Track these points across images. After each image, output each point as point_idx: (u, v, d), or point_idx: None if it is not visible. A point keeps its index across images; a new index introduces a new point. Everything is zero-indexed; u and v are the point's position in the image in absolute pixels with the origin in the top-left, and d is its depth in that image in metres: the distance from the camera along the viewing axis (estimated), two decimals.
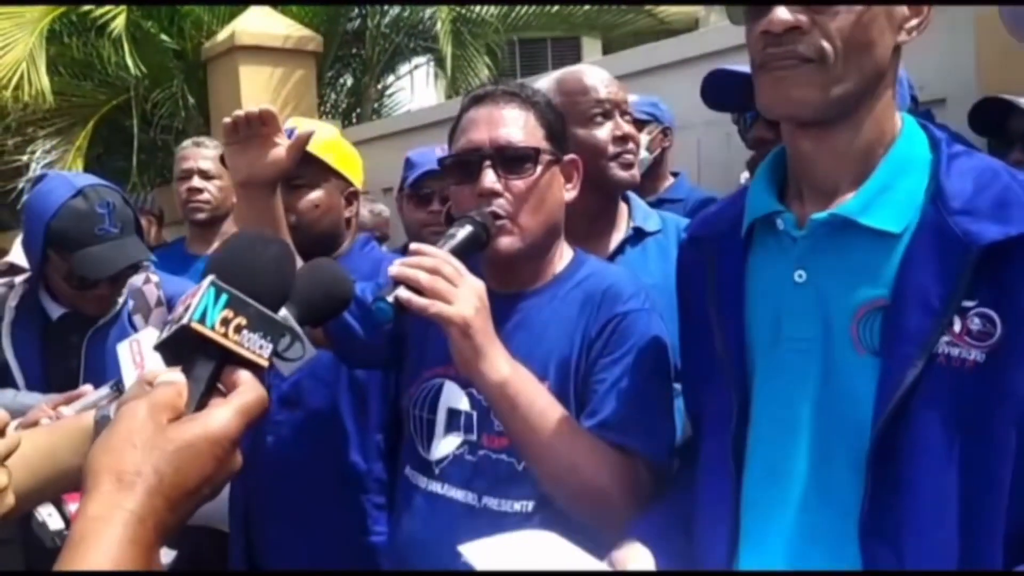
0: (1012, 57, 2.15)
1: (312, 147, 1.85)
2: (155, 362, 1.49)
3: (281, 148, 1.63)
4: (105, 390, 1.64)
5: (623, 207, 1.92)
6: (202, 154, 3.25)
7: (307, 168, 1.94)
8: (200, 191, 3.18)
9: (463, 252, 1.37)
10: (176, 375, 0.82)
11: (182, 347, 0.84)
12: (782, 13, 1.04)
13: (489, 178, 1.44)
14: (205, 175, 3.21)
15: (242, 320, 0.84)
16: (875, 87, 1.09)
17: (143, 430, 0.76)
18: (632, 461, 1.35)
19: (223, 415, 0.79)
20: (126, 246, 2.04)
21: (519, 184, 1.45)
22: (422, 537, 1.51)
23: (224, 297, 0.84)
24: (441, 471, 1.48)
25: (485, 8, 6.87)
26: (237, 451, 0.80)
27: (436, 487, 1.49)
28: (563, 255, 1.56)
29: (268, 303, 0.87)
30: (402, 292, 1.23)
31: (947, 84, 2.50)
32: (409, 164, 2.88)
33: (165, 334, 0.85)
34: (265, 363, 0.85)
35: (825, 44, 1.04)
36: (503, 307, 1.47)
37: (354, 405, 1.97)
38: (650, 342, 1.42)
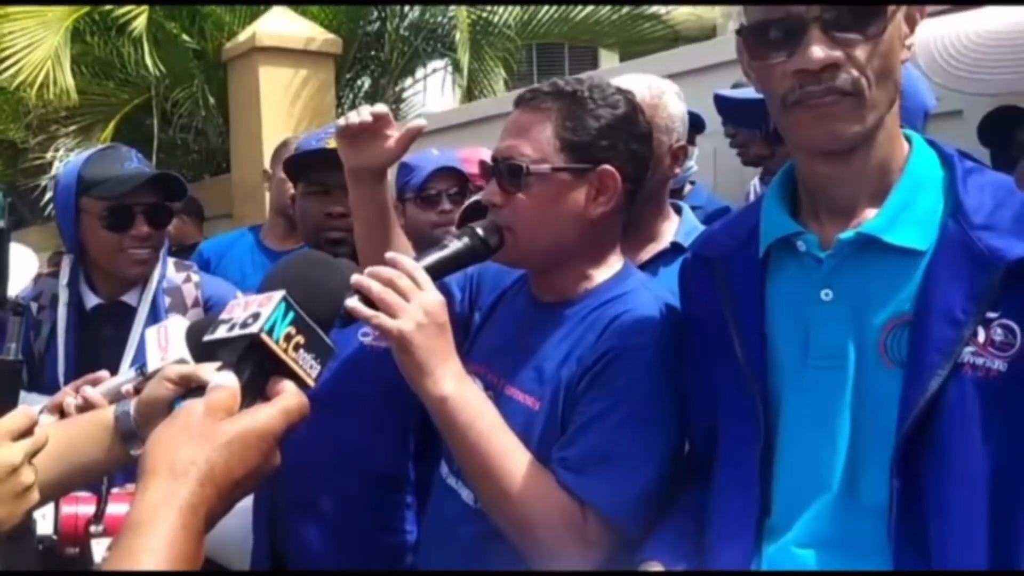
0: None
1: None
2: (179, 348, 1.52)
3: (392, 139, 1.62)
4: (131, 373, 1.66)
5: (672, 220, 1.90)
6: None
7: None
8: None
9: (456, 264, 1.40)
10: (230, 379, 0.87)
11: (231, 347, 0.88)
12: (818, 51, 1.05)
13: (490, 189, 1.46)
14: None
15: (301, 339, 0.90)
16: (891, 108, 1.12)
17: (198, 425, 0.82)
18: (578, 507, 1.31)
19: (269, 412, 0.85)
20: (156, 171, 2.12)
21: (516, 196, 1.43)
22: (432, 529, 1.55)
23: (292, 314, 0.89)
24: (459, 468, 1.50)
25: (504, 16, 6.89)
26: (278, 449, 0.85)
27: (452, 481, 1.52)
28: (607, 266, 1.50)
29: (321, 322, 0.93)
30: (351, 301, 1.25)
31: (964, 96, 2.50)
32: (407, 168, 2.87)
33: (226, 333, 0.89)
34: (313, 383, 0.91)
35: (860, 76, 1.07)
36: (537, 316, 1.50)
37: (386, 404, 1.98)
38: (642, 385, 1.34)
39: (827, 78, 1.06)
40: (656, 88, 1.83)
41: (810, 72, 1.07)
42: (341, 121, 1.62)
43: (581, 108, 1.43)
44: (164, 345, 1.59)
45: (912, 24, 1.13)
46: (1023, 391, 1.02)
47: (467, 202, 2.49)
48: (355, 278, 1.27)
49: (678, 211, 1.94)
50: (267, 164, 5.60)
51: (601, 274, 1.49)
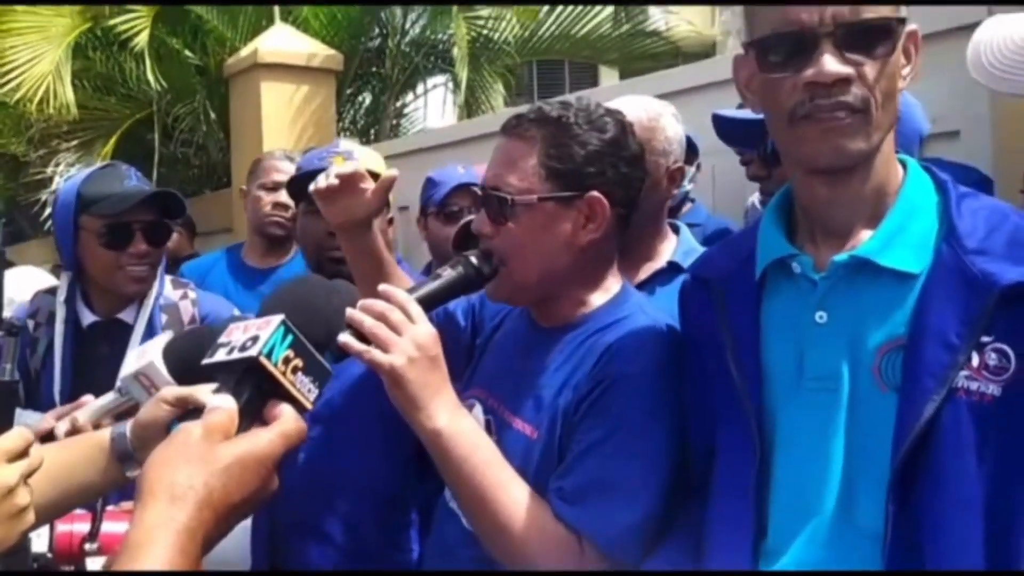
0: None
1: (380, 171, 1.90)
2: (155, 355, 1.49)
3: (367, 192, 1.65)
4: (111, 396, 1.65)
5: (669, 240, 1.91)
6: (286, 168, 3.20)
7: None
8: (287, 208, 3.11)
9: (449, 294, 1.40)
10: (228, 401, 0.87)
11: (229, 370, 0.88)
12: (832, 65, 1.07)
13: (479, 219, 1.47)
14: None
15: (299, 362, 0.90)
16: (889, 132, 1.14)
17: (196, 448, 0.82)
18: (575, 539, 1.31)
19: (268, 436, 0.85)
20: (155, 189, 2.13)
21: (507, 227, 1.42)
22: (434, 551, 1.55)
23: (290, 338, 0.90)
24: None
25: (503, 32, 6.92)
26: (276, 473, 0.86)
27: (454, 505, 1.52)
28: (602, 292, 1.49)
29: (320, 346, 0.94)
30: (343, 336, 1.25)
31: (961, 117, 2.52)
32: (432, 183, 2.90)
33: (225, 357, 0.89)
34: (310, 406, 0.91)
35: (868, 94, 1.08)
36: (535, 340, 1.50)
37: (388, 423, 1.97)
38: (638, 414, 1.34)
39: (838, 92, 1.08)
40: (653, 111, 1.83)
41: (821, 85, 1.08)
42: (311, 187, 1.66)
43: (566, 134, 1.42)
44: (148, 385, 1.58)
45: (909, 56, 1.15)
46: (1018, 415, 1.02)
47: (461, 222, 2.50)
48: (348, 312, 1.27)
49: (676, 231, 1.95)
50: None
51: (598, 298, 1.48)
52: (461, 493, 1.35)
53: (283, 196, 3.12)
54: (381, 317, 1.28)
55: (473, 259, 1.43)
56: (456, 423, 1.32)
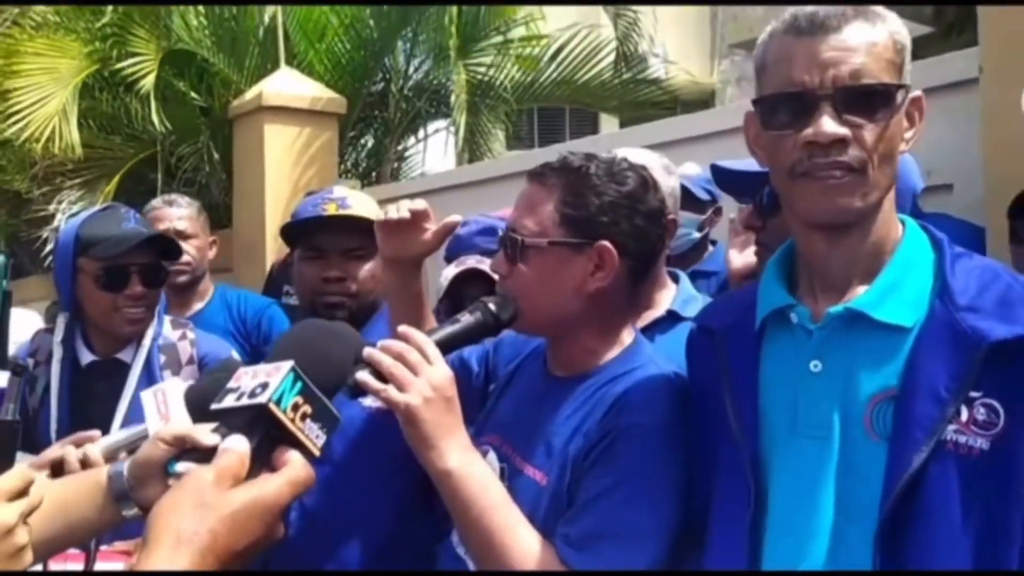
0: (1017, 146, 2.20)
1: (374, 218, 1.92)
2: (180, 413, 1.51)
3: (429, 232, 1.68)
4: (137, 427, 1.64)
5: (668, 288, 1.92)
6: (177, 213, 3.11)
7: (367, 239, 1.98)
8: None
9: (466, 338, 1.43)
10: (241, 444, 0.88)
11: (239, 416, 0.89)
12: (829, 126, 1.11)
13: (497, 259, 1.52)
14: (183, 235, 3.02)
15: (309, 408, 0.91)
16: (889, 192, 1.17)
17: (207, 493, 0.83)
18: None
19: (277, 484, 0.86)
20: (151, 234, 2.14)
21: (519, 268, 1.47)
22: None
23: (300, 384, 0.91)
24: None
25: (502, 79, 7.02)
26: (282, 521, 0.86)
27: (461, 551, 1.52)
28: (614, 343, 1.51)
29: (328, 392, 0.95)
30: (361, 374, 1.28)
31: (955, 171, 2.56)
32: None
33: (234, 403, 0.90)
34: (319, 453, 0.92)
35: (865, 156, 1.12)
36: (548, 389, 1.53)
37: (388, 469, 1.97)
38: (647, 463, 1.35)
39: (835, 152, 1.12)
40: (641, 164, 1.85)
41: (819, 145, 1.12)
42: (381, 215, 1.69)
43: (584, 184, 1.45)
44: (164, 412, 1.59)
45: (912, 121, 1.19)
46: (1005, 470, 1.04)
47: (455, 272, 2.48)
48: (367, 351, 1.29)
49: (676, 279, 1.96)
50: (268, 220, 5.69)
51: (611, 349, 1.50)
52: (469, 534, 1.36)
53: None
54: (399, 357, 1.30)
55: (492, 305, 1.46)
56: (467, 465, 1.33)
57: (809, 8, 1.16)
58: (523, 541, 1.33)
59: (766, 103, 1.19)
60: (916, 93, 1.18)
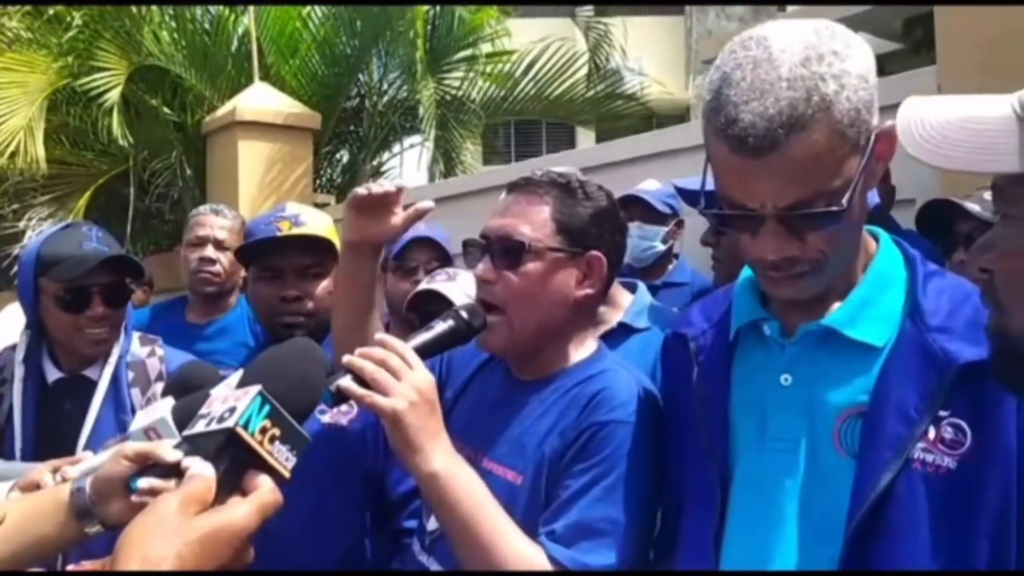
0: None
1: (329, 234, 1.92)
2: (167, 429, 1.50)
3: (398, 216, 1.65)
4: (109, 452, 1.63)
5: (623, 298, 1.93)
6: (219, 223, 3.13)
7: (323, 256, 1.99)
8: (213, 262, 3.05)
9: (440, 346, 1.43)
10: (207, 469, 0.87)
11: (208, 441, 0.90)
12: (774, 249, 1.08)
13: (482, 267, 1.51)
14: (220, 245, 3.07)
15: (277, 431, 0.91)
16: None
17: (172, 519, 0.82)
18: None
19: (245, 510, 0.86)
20: (113, 252, 2.10)
21: (509, 275, 1.48)
22: None
23: (267, 408, 0.91)
24: (430, 543, 1.52)
25: (472, 93, 7.05)
26: (251, 546, 0.86)
27: (423, 558, 1.52)
28: (581, 348, 1.55)
29: (297, 414, 0.94)
30: (343, 381, 1.28)
31: (916, 186, 2.61)
32: None
33: (204, 428, 0.90)
34: (288, 475, 0.91)
35: (818, 256, 1.10)
36: (514, 393, 1.53)
37: (340, 481, 1.97)
38: (624, 458, 1.38)
39: (785, 265, 1.10)
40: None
41: (768, 260, 1.10)
42: (361, 190, 1.63)
43: (572, 197, 1.52)
44: (153, 436, 1.57)
45: (885, 155, 1.11)
46: (971, 489, 1.04)
47: (416, 289, 2.49)
48: (347, 358, 1.30)
49: (632, 290, 1.97)
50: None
51: (579, 354, 1.54)
52: (456, 535, 1.35)
53: (209, 251, 3.06)
54: (381, 363, 1.31)
55: (463, 313, 1.46)
56: (452, 467, 1.34)
57: (740, 121, 1.03)
58: (512, 540, 1.34)
59: (714, 216, 1.16)
60: (885, 126, 1.08)
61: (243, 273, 3.17)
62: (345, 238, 1.69)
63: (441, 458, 1.33)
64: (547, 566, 1.32)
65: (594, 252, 1.51)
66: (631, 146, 4.25)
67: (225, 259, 3.06)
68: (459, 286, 2.28)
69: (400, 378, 1.31)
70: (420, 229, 2.70)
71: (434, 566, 1.49)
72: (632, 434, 1.39)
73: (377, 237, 1.67)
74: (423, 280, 2.58)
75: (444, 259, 2.75)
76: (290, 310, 1.99)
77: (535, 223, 1.49)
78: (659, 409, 1.41)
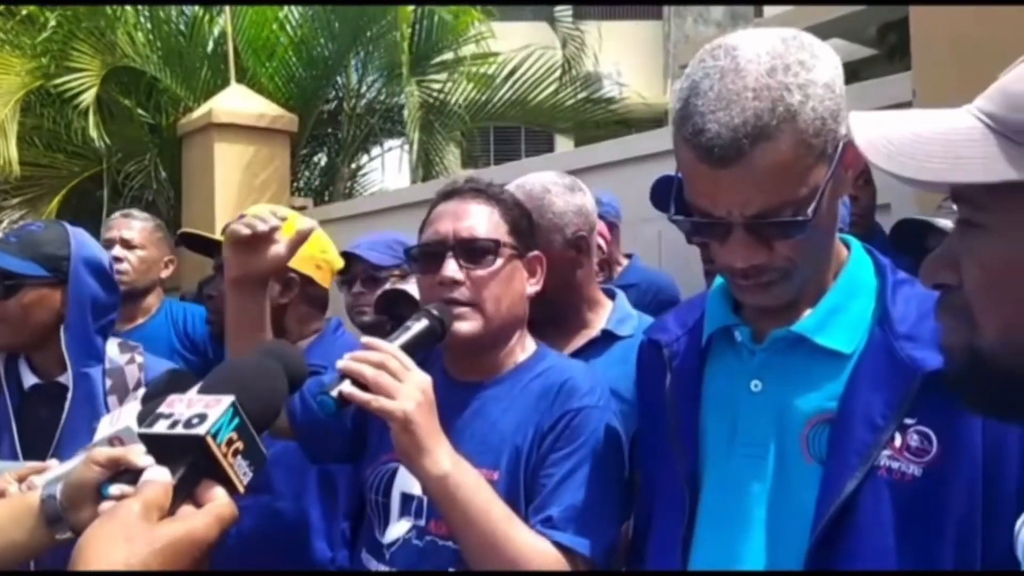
0: None
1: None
2: (132, 437, 1.48)
3: (281, 244, 1.58)
4: (77, 460, 1.61)
5: (604, 307, 1.93)
6: (127, 224, 3.13)
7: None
8: (119, 260, 2.95)
9: (417, 346, 1.41)
10: (163, 474, 0.86)
11: (169, 443, 0.88)
12: (742, 256, 1.09)
13: (450, 267, 1.50)
14: (127, 244, 3.05)
15: (241, 445, 0.90)
16: None
17: (135, 526, 0.81)
18: (572, 560, 1.37)
19: (205, 520, 0.85)
20: (8, 253, 2.00)
21: (480, 273, 1.50)
22: None
23: (237, 421, 0.90)
24: (391, 555, 1.50)
25: (456, 97, 7.05)
26: (208, 558, 0.85)
27: (384, 569, 1.50)
28: (525, 347, 1.60)
29: (257, 428, 0.93)
30: (345, 386, 1.26)
31: (891, 191, 2.63)
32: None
33: (167, 430, 0.89)
34: (243, 490, 0.90)
35: (787, 263, 1.10)
36: (462, 395, 1.53)
37: (321, 492, 1.95)
38: (602, 440, 1.43)
39: (753, 273, 1.11)
40: (538, 187, 1.84)
41: (737, 268, 1.11)
42: (242, 229, 1.54)
43: (505, 203, 1.59)
44: (114, 419, 1.55)
45: (854, 163, 1.11)
46: (937, 497, 1.04)
47: (382, 289, 2.53)
48: (343, 364, 1.28)
49: (612, 296, 1.97)
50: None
51: (524, 352, 1.59)
52: (468, 532, 1.34)
53: (116, 251, 3.00)
54: (380, 366, 1.29)
55: (434, 311, 1.46)
56: (459, 465, 1.34)
57: (707, 131, 1.03)
58: (523, 531, 1.36)
59: (683, 226, 1.16)
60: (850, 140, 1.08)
61: (163, 274, 3.20)
62: (228, 275, 1.61)
63: (447, 459, 1.33)
64: (551, 549, 1.35)
65: (535, 252, 1.60)
66: (609, 150, 4.27)
67: (133, 257, 3.05)
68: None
69: (402, 379, 1.30)
70: (353, 245, 2.71)
71: (382, 567, 1.49)
72: (606, 418, 1.46)
73: (263, 268, 1.59)
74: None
75: (376, 271, 2.77)
76: None
77: (491, 224, 1.54)
78: (611, 396, 1.49)
